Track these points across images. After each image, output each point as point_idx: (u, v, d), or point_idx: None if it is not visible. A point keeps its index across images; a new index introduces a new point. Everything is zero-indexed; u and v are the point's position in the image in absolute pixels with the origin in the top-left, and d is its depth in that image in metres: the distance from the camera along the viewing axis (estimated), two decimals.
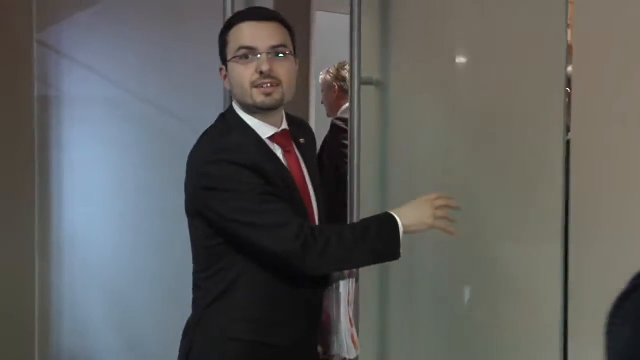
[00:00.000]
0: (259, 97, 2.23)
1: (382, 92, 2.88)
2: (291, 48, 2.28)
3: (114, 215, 3.67)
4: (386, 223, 2.19)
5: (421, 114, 2.73)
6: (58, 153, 3.91)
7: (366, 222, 2.20)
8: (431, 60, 2.68)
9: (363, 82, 2.88)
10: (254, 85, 2.22)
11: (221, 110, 3.05)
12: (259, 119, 2.29)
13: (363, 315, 2.86)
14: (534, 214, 2.31)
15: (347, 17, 4.12)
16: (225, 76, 2.29)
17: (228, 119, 2.31)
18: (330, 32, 4.41)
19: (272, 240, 2.13)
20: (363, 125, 2.83)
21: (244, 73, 2.23)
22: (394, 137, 2.84)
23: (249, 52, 2.22)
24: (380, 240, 2.17)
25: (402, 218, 2.18)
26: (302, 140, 2.37)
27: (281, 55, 2.24)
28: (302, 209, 2.24)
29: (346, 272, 2.34)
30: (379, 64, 2.87)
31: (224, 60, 2.28)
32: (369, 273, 2.80)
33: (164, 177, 3.48)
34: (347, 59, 4.47)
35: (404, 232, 2.16)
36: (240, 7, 3.04)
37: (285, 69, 2.24)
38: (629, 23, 2.07)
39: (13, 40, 3.83)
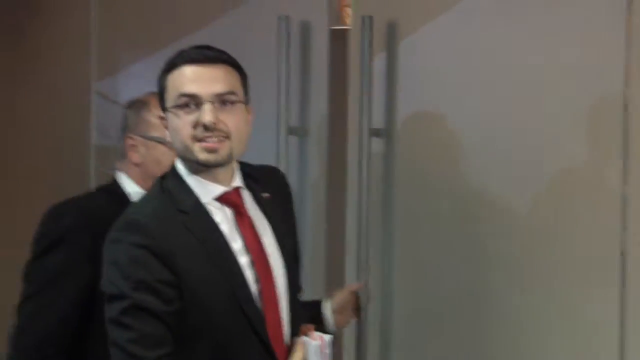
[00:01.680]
0: (201, 154, 1.99)
1: (387, 143, 2.89)
2: (242, 95, 2.05)
3: None
4: None
5: (431, 166, 2.81)
6: None
7: None
8: (440, 108, 2.75)
9: (372, 133, 2.89)
10: (196, 139, 1.98)
11: (274, 163, 3.14)
12: (204, 178, 2.04)
13: None
14: (589, 244, 2.34)
15: None
16: (167, 126, 2.04)
17: (163, 181, 2.07)
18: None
19: None
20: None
21: (185, 126, 1.98)
22: (399, 190, 2.89)
23: (190, 101, 1.98)
24: None
25: None
26: (265, 195, 2.14)
27: (230, 104, 2.00)
28: (240, 282, 1.99)
29: None
30: (383, 114, 2.91)
31: (164, 108, 2.04)
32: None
33: None
34: None
35: None
36: (295, 66, 3.14)
37: (234, 120, 2.00)
38: None
39: (72, 89, 3.97)
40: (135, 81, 3.98)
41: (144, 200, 2.07)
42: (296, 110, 3.27)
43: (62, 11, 3.97)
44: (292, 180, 3.25)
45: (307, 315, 2.22)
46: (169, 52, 3.81)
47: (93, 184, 4.00)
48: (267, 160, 3.28)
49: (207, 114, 1.96)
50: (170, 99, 2.01)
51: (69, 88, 3.99)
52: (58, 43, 3.99)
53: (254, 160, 3.46)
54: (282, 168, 3.22)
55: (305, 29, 3.30)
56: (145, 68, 3.91)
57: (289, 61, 3.22)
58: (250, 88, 3.04)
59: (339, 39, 3.40)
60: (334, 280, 3.04)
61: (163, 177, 2.08)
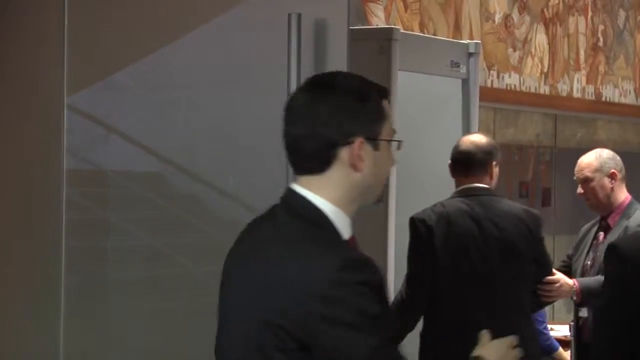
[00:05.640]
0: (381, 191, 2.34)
1: None
2: None
3: (157, 312, 3.72)
4: None
5: None
6: (89, 238, 3.99)
7: None
8: None
9: None
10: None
11: (281, 190, 3.12)
12: (349, 217, 2.30)
13: None
14: None
15: (430, 77, 4.36)
16: (361, 154, 2.25)
17: (304, 214, 2.27)
18: (411, 91, 4.58)
19: None
20: None
21: (390, 162, 2.31)
22: None
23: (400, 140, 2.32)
24: None
25: None
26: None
27: None
28: None
29: None
30: None
31: (375, 135, 2.25)
32: None
33: (215, 270, 3.52)
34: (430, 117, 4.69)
35: None
36: (308, 74, 3.14)
37: None
38: None
39: (41, 104, 3.95)
40: (115, 93, 3.96)
41: (323, 238, 2.26)
42: None
43: (33, 14, 3.96)
44: None
45: None
46: (157, 58, 3.84)
47: (65, 215, 3.97)
48: (275, 184, 3.28)
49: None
50: (388, 131, 2.29)
51: (38, 102, 3.97)
52: (26, 51, 3.98)
53: (260, 178, 3.50)
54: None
55: (321, 29, 3.31)
56: (126, 77, 3.89)
57: (300, 67, 3.24)
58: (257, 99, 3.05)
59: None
60: None
61: (296, 212, 2.28)
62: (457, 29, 6.03)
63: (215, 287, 3.56)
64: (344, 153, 2.22)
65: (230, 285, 2.38)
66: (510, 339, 2.36)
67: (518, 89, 6.58)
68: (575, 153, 5.24)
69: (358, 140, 2.21)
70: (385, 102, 2.26)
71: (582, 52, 7.25)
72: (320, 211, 2.24)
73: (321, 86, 2.29)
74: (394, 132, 2.28)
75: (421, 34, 5.52)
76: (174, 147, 3.75)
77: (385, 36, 4.24)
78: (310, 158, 2.26)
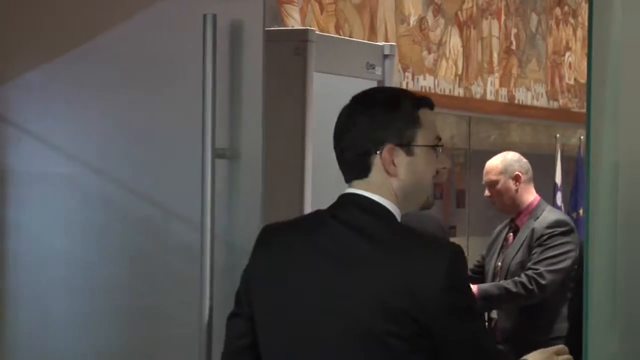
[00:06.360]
0: (431, 197, 2.53)
1: None
2: None
3: (72, 315, 3.69)
4: None
5: None
6: (1, 240, 3.95)
7: None
8: None
9: None
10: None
11: (199, 191, 3.12)
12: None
13: None
14: None
15: (345, 79, 4.38)
16: (393, 160, 2.46)
17: (380, 213, 2.46)
18: (326, 93, 4.53)
19: None
20: None
21: (432, 168, 2.49)
22: None
23: (440, 145, 2.49)
24: None
25: None
26: None
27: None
28: None
29: None
30: None
31: (407, 142, 2.45)
32: None
33: (131, 272, 3.52)
34: None
35: None
36: (223, 75, 3.15)
37: None
38: None
39: None
40: (28, 93, 3.91)
41: (428, 235, 2.63)
42: (225, 127, 3.31)
43: None
44: (222, 210, 3.26)
45: None
46: (70, 57, 3.80)
47: None
48: (191, 186, 3.28)
49: (448, 160, 2.56)
50: (425, 137, 2.47)
51: None
52: None
53: (173, 179, 3.50)
54: (207, 195, 3.23)
55: (237, 30, 3.30)
56: (40, 77, 3.85)
57: (215, 68, 3.23)
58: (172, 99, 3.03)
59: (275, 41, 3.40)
60: None
61: (380, 217, 2.48)
62: (372, 31, 6.04)
63: (127, 288, 3.57)
64: (377, 160, 2.46)
65: (309, 288, 2.48)
66: (558, 347, 2.54)
67: (433, 91, 6.61)
68: (489, 155, 5.31)
69: (387, 147, 2.44)
70: (422, 111, 2.48)
71: (495, 55, 7.32)
72: (389, 210, 2.48)
73: (358, 100, 2.55)
74: (437, 139, 2.48)
75: (337, 36, 5.52)
76: (86, 147, 3.72)
77: (301, 37, 4.24)
78: (353, 166, 2.51)
